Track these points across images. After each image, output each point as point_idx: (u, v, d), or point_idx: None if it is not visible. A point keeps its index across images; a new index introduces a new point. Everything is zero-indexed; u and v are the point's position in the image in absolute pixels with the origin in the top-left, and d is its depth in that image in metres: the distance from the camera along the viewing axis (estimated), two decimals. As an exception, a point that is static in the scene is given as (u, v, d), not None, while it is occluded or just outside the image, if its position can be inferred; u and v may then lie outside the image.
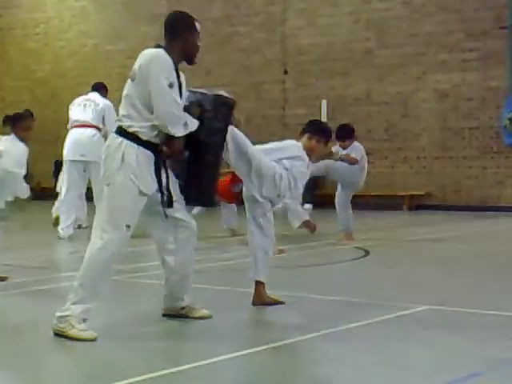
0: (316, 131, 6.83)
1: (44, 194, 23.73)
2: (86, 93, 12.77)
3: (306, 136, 6.79)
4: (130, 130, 5.40)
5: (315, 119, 7.28)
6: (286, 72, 20.57)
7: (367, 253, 10.17)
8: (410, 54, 18.95)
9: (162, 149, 5.47)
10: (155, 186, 5.50)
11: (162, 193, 5.55)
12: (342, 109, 19.34)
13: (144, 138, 5.41)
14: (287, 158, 6.52)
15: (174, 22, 5.71)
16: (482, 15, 18.19)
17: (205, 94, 5.93)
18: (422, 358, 4.81)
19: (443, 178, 18.73)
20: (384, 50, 19.30)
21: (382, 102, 19.34)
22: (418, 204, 18.93)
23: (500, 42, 17.97)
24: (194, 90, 5.94)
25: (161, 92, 5.32)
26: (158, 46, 5.58)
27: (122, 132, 5.44)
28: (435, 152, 18.84)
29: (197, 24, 5.71)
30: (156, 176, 5.49)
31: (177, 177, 5.72)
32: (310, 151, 6.71)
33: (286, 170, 6.46)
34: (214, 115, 5.79)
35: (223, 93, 6.02)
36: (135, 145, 5.39)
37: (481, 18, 18.20)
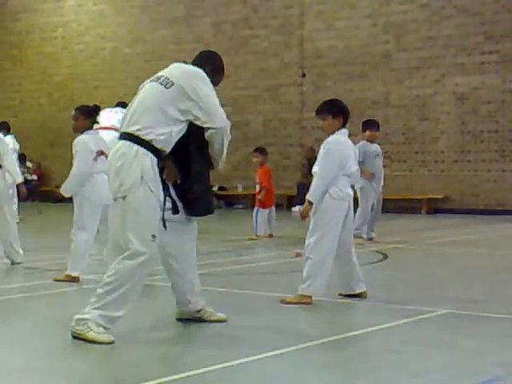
0: (317, 112, 7.13)
1: (62, 196, 23.86)
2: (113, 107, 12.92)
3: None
4: (148, 137, 5.35)
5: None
6: (303, 75, 20.55)
7: (385, 256, 10.13)
8: (428, 57, 18.88)
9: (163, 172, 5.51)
10: (163, 192, 5.50)
11: (166, 198, 5.53)
12: (360, 112, 19.27)
13: (159, 146, 5.39)
14: None
15: (211, 54, 5.96)
16: (502, 18, 18.10)
17: None
18: (441, 363, 4.77)
19: (462, 181, 18.64)
20: (402, 53, 19.24)
21: (400, 105, 19.28)
22: (437, 207, 18.84)
23: (519, 45, 17.89)
24: None
25: (215, 101, 5.48)
26: (185, 63, 5.69)
27: (137, 140, 5.37)
28: (454, 155, 18.75)
29: None
30: (162, 183, 5.48)
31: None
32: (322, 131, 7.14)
33: None
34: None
35: None
36: (149, 153, 5.36)
37: (500, 20, 18.11)
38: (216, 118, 5.47)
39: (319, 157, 6.85)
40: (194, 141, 5.64)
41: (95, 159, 8.03)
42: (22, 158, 23.24)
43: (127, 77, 22.06)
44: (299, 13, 20.63)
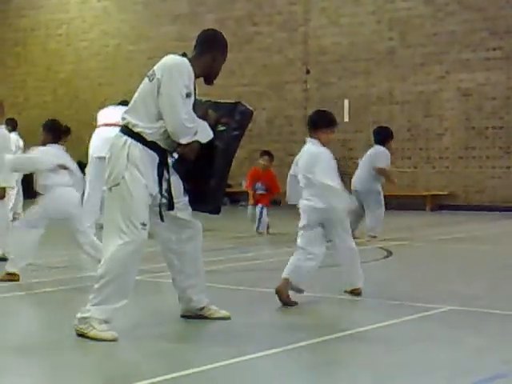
0: (329, 123, 6.89)
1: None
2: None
3: (321, 132, 6.78)
4: (136, 129, 5.40)
5: (319, 110, 7.21)
6: (308, 72, 20.52)
7: (390, 253, 10.12)
8: (432, 53, 18.84)
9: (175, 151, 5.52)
10: (157, 187, 5.49)
11: (162, 195, 5.54)
12: (365, 108, 19.28)
13: (148, 139, 5.40)
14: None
15: (210, 37, 5.80)
16: (506, 13, 18.05)
17: (222, 103, 5.94)
18: (444, 360, 4.76)
19: (466, 177, 18.60)
20: (407, 50, 19.20)
21: (404, 102, 19.24)
22: (441, 204, 18.81)
23: (524, 41, 17.85)
24: (204, 99, 5.90)
25: (177, 102, 5.33)
26: (184, 55, 5.59)
27: (127, 131, 5.44)
28: (458, 152, 18.71)
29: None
30: (158, 178, 5.47)
31: (184, 180, 5.69)
32: (327, 145, 6.80)
33: None
34: (231, 123, 5.75)
35: (243, 103, 5.94)
36: (139, 144, 5.38)
37: (505, 16, 18.06)
38: (170, 120, 5.35)
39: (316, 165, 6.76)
40: (221, 141, 5.65)
41: (55, 172, 7.99)
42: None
43: (131, 73, 22.04)
44: (303, 9, 20.60)
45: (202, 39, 5.76)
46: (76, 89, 24.09)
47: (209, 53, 5.65)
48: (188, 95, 5.38)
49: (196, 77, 5.54)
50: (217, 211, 5.86)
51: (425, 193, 18.91)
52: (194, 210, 5.78)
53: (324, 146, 6.79)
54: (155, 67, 5.52)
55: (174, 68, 5.41)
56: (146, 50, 22.25)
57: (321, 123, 6.87)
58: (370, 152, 11.89)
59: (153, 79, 5.44)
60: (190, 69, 5.44)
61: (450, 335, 5.44)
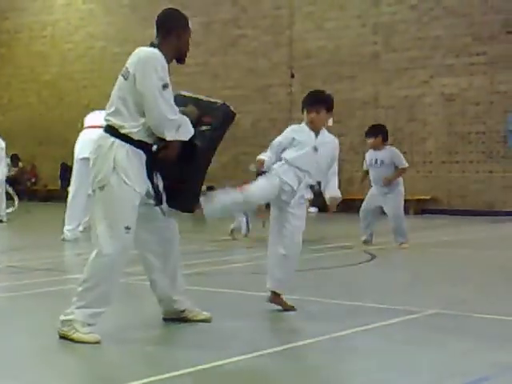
0: (311, 103, 6.71)
1: (50, 195, 23.79)
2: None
3: (305, 112, 6.69)
4: (122, 130, 5.31)
5: (310, 91, 7.09)
6: (292, 75, 20.56)
7: (373, 257, 10.14)
8: (417, 58, 18.92)
9: (156, 149, 5.41)
10: (146, 185, 5.45)
11: (155, 192, 5.50)
12: (349, 112, 19.31)
13: (135, 138, 5.33)
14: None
15: (167, 18, 5.74)
16: (490, 19, 18.16)
17: (204, 100, 5.87)
18: (429, 363, 4.77)
19: (449, 182, 18.68)
20: (391, 54, 19.28)
21: (388, 106, 19.31)
22: (424, 208, 18.88)
23: (508, 47, 17.95)
24: (186, 94, 5.86)
25: (154, 95, 5.24)
26: (152, 45, 5.54)
27: (113, 132, 5.34)
28: (441, 156, 18.80)
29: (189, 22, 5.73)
30: (148, 175, 5.43)
31: (162, 177, 5.64)
32: (312, 124, 6.63)
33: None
34: (213, 122, 5.70)
35: (227, 104, 5.89)
36: (126, 144, 5.31)
37: (488, 22, 18.17)
38: (151, 114, 5.27)
39: (332, 155, 6.66)
40: (201, 140, 5.61)
41: None
42: (14, 158, 23.17)
43: (116, 76, 21.89)
44: (288, 13, 20.64)
45: (160, 22, 5.70)
46: (61, 91, 24.02)
47: (171, 34, 5.58)
48: (165, 86, 5.28)
49: (168, 62, 5.43)
50: (190, 210, 5.82)
51: (408, 197, 18.90)
52: (170, 207, 5.70)
53: (308, 126, 6.65)
54: (127, 64, 5.43)
55: (146, 62, 5.33)
56: (132, 52, 22.20)
57: (302, 104, 6.81)
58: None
59: (127, 77, 5.37)
60: (162, 59, 5.36)
61: (435, 338, 5.45)
